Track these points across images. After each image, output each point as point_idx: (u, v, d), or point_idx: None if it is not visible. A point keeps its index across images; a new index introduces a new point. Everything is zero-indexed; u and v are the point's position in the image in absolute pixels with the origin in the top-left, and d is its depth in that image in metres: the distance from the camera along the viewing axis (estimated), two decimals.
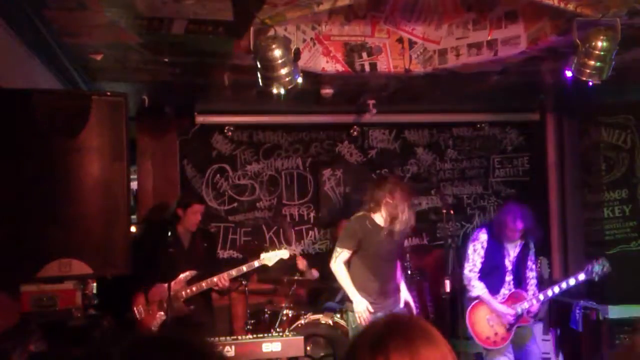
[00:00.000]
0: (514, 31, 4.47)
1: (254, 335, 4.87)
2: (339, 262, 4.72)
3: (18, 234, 3.05)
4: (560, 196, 6.90)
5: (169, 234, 5.11)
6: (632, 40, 4.30)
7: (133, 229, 5.23)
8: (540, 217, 6.96)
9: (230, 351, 4.60)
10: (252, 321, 5.51)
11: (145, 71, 4.90)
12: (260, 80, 4.01)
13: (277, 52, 3.80)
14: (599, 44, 3.87)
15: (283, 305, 5.65)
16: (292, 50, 3.94)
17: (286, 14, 3.87)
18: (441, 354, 1.26)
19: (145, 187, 6.54)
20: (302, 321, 5.44)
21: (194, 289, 5.15)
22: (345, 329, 5.11)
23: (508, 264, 5.04)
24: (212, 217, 6.48)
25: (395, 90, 5.72)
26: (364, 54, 4.76)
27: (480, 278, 5.00)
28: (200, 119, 6.49)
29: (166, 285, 4.86)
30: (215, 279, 5.14)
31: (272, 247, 5.64)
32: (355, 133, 6.83)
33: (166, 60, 4.65)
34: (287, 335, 4.81)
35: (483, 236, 5.06)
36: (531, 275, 5.14)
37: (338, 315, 5.42)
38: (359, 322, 4.62)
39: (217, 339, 4.80)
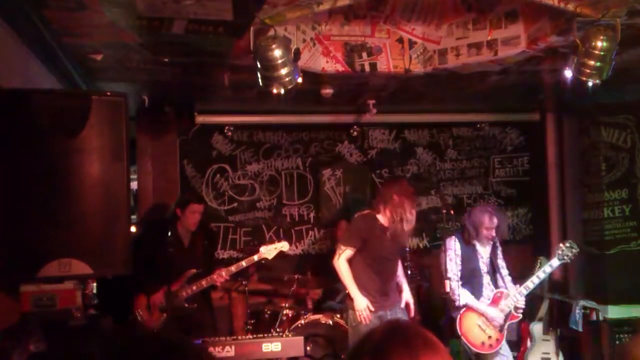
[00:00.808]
0: (513, 31, 4.47)
1: (254, 335, 4.88)
2: (342, 259, 4.71)
3: (18, 233, 3.04)
4: (560, 196, 6.89)
5: (169, 233, 5.11)
6: (632, 40, 4.31)
7: (133, 229, 5.23)
8: (540, 217, 7.01)
9: (230, 351, 4.61)
10: (252, 321, 5.51)
11: (145, 71, 4.90)
12: (260, 80, 4.01)
13: (277, 52, 3.80)
14: (599, 44, 3.87)
15: (283, 305, 5.66)
16: (292, 50, 3.94)
17: (286, 14, 3.87)
18: None
19: (145, 187, 6.54)
20: (302, 321, 5.44)
21: (194, 287, 5.15)
22: (345, 329, 5.12)
23: (483, 266, 5.06)
24: (212, 217, 6.47)
25: (395, 90, 5.71)
26: (364, 54, 4.76)
27: (462, 285, 4.98)
28: (200, 119, 6.48)
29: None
30: (215, 275, 5.15)
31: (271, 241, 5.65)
32: (355, 133, 6.83)
33: (166, 60, 4.65)
34: (287, 335, 4.82)
35: (455, 244, 5.01)
36: (504, 272, 5.16)
37: (338, 315, 5.42)
38: (359, 320, 4.62)
39: (217, 338, 4.81)
